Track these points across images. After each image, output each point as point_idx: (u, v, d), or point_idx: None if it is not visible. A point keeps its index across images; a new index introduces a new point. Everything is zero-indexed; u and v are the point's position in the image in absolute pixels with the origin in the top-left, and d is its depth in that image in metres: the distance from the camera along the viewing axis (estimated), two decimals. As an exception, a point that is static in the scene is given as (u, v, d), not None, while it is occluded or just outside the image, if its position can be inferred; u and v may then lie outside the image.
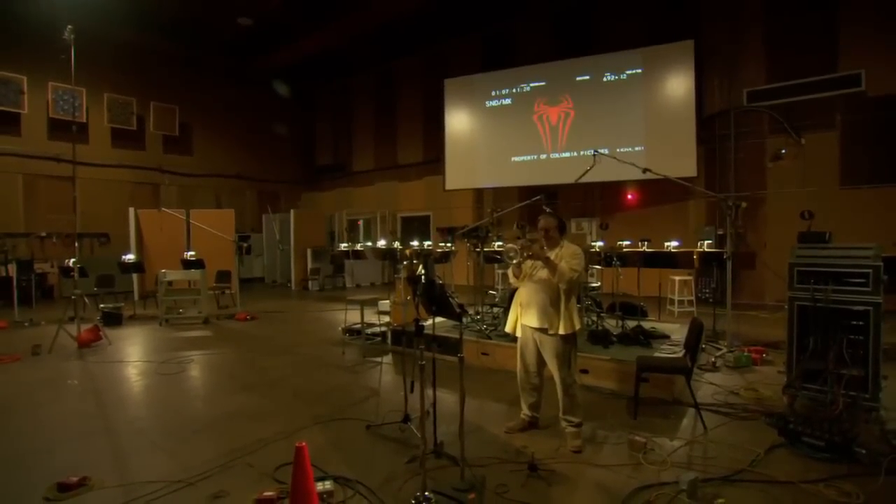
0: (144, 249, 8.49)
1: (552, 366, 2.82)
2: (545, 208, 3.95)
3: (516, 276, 2.89)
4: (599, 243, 5.55)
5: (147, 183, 10.87)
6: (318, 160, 14.26)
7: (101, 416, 3.27)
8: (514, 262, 2.71)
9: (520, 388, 3.00)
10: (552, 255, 2.77)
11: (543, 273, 2.79)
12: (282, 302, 8.96)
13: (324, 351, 5.20)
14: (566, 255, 2.78)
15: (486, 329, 4.71)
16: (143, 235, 8.56)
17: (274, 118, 13.16)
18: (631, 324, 4.80)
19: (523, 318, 2.89)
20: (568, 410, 2.83)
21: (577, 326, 2.79)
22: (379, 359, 4.80)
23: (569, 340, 2.80)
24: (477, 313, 5.57)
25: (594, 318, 4.94)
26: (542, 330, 2.80)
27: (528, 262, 2.84)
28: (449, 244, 6.62)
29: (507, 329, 2.99)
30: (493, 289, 7.42)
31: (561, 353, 2.78)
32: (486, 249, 5.42)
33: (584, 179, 4.78)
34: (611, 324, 4.99)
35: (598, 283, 5.94)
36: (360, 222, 13.68)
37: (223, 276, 8.08)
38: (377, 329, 5.46)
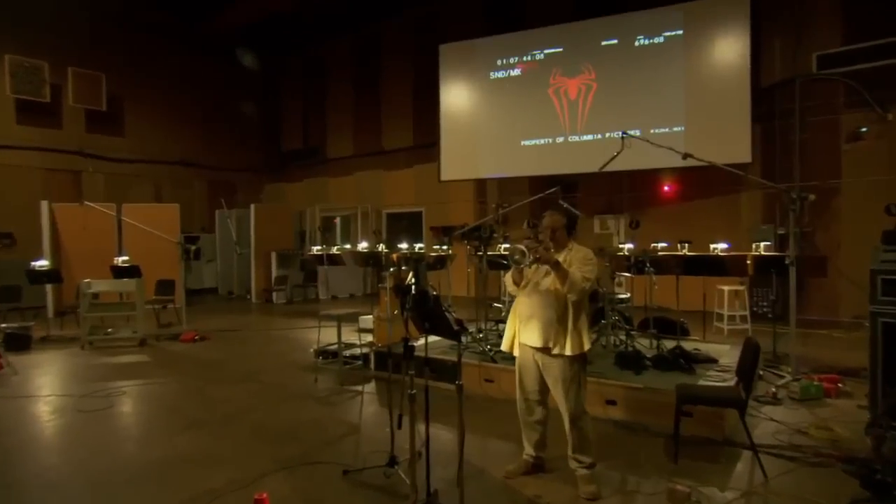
0: (62, 254, 8.43)
1: (557, 393, 2.81)
2: (562, 203, 3.97)
3: (516, 284, 2.89)
4: (629, 245, 5.58)
5: (65, 170, 10.53)
6: (285, 144, 14.33)
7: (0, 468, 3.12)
8: (521, 265, 2.73)
9: (521, 421, 2.99)
10: (560, 258, 2.77)
11: (548, 281, 2.79)
12: (239, 318, 8.98)
13: (291, 378, 5.21)
14: (576, 261, 2.76)
15: (489, 350, 4.73)
16: (59, 236, 8.50)
17: (230, 92, 13.18)
18: (669, 344, 4.83)
19: (522, 334, 2.89)
20: (578, 448, 2.81)
21: (587, 346, 2.79)
22: (359, 387, 4.84)
23: (577, 363, 2.79)
24: (479, 331, 5.59)
25: (623, 338, 4.96)
26: (544, 350, 2.80)
27: (532, 266, 2.85)
28: (445, 247, 6.66)
29: (504, 347, 3.00)
30: (498, 301, 7.45)
31: (568, 378, 2.77)
32: (490, 253, 5.45)
33: (609, 167, 4.82)
34: (643, 344, 5.01)
35: (628, 295, 5.95)
36: (337, 220, 13.71)
37: (165, 287, 8.10)
38: (357, 351, 5.48)
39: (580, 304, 2.79)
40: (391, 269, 5.69)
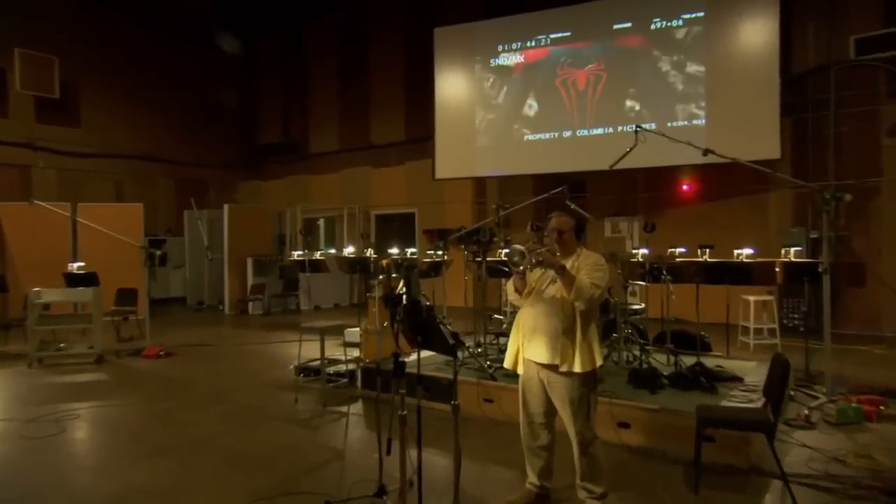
0: (7, 259, 8.35)
1: (565, 415, 2.81)
2: (568, 203, 3.99)
3: (519, 292, 2.90)
4: (643, 251, 5.61)
5: (11, 165, 10.41)
6: (263, 137, 14.35)
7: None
8: (520, 269, 2.74)
9: (524, 446, 2.98)
10: (567, 264, 2.78)
11: (554, 289, 2.80)
12: (210, 331, 8.96)
13: (269, 398, 5.21)
14: (585, 266, 2.75)
15: (489, 367, 4.74)
16: (5, 239, 8.44)
17: (201, 79, 13.15)
18: (688, 360, 4.85)
19: (526, 349, 2.89)
20: (587, 476, 2.80)
21: (599, 363, 2.79)
22: (344, 408, 4.84)
23: (587, 381, 2.79)
24: (478, 345, 5.58)
25: (637, 353, 4.98)
26: (551, 367, 2.80)
27: (536, 273, 2.86)
28: (440, 252, 6.67)
29: (506, 364, 3.00)
30: (498, 312, 7.46)
31: (576, 399, 2.77)
32: (489, 259, 5.47)
33: (622, 165, 4.86)
34: (660, 360, 5.03)
35: (642, 306, 5.98)
36: (321, 222, 13.74)
37: (126, 297, 8.08)
38: (343, 367, 5.49)
39: (590, 315, 2.80)
40: (380, 277, 5.69)
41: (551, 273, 2.81)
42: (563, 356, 2.77)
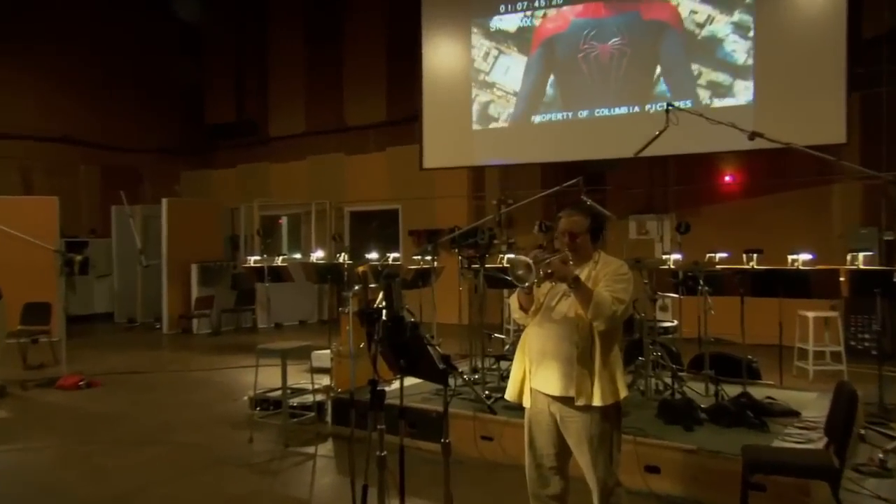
0: None
1: (582, 458, 2.81)
2: (584, 199, 4.01)
3: (524, 309, 2.90)
4: (675, 256, 5.64)
5: None
6: (211, 116, 14.34)
7: None
8: (525, 284, 2.74)
9: (530, 495, 2.97)
10: (582, 274, 2.79)
11: (567, 305, 2.80)
12: (144, 355, 8.91)
13: (217, 438, 5.18)
14: (605, 276, 2.78)
15: (488, 397, 4.76)
16: None
17: (133, 46, 13.09)
18: (732, 390, 4.87)
19: (534, 377, 2.90)
20: None
21: (623, 394, 2.80)
22: (311, 449, 4.84)
23: (609, 417, 2.79)
24: (474, 371, 5.56)
25: (668, 381, 4.99)
26: (564, 400, 2.80)
27: (545, 286, 2.86)
28: (429, 257, 6.67)
29: (509, 396, 3.00)
30: (500, 331, 7.47)
31: (596, 438, 2.77)
32: (489, 266, 5.45)
33: (650, 151, 4.84)
34: (697, 390, 5.05)
35: (674, 323, 6.01)
36: (283, 220, 13.69)
37: (36, 314, 7.98)
38: (309, 398, 5.50)
39: (611, 336, 2.80)
40: (356, 288, 5.67)
41: (563, 286, 2.81)
42: (579, 386, 2.76)
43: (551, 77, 9.52)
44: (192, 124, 14.29)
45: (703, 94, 8.51)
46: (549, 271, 2.69)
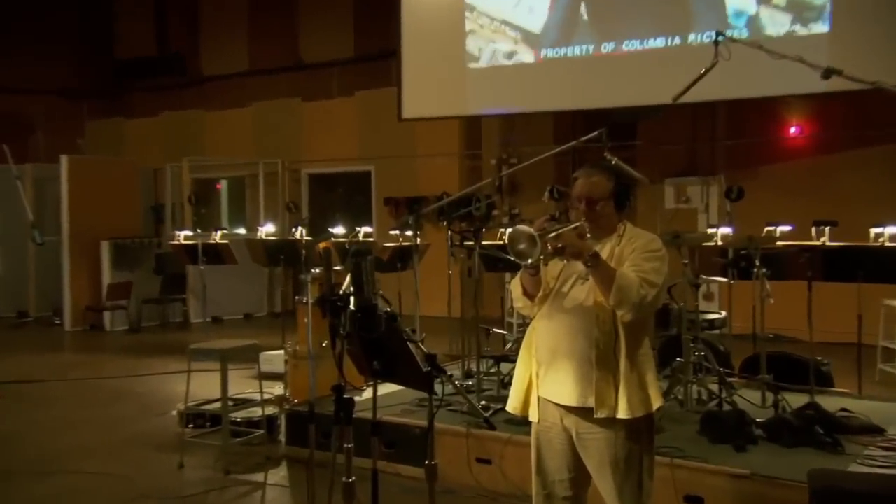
0: None
1: (604, 485, 2.82)
2: (608, 157, 3.99)
3: (529, 295, 2.91)
4: (724, 230, 5.62)
5: None
6: (124, 50, 14.20)
7: None
8: (529, 261, 2.72)
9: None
10: (603, 251, 2.79)
11: (584, 290, 2.80)
12: (41, 360, 8.86)
13: (136, 464, 5.16)
14: (632, 253, 2.78)
15: (484, 409, 4.80)
16: None
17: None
18: (796, 400, 4.90)
19: (543, 385, 2.90)
20: None
21: (656, 404, 2.82)
22: (259, 476, 4.83)
23: (638, 433, 2.80)
24: (468, 375, 5.54)
25: (713, 388, 5.02)
26: (581, 412, 2.80)
27: (556, 266, 2.87)
28: (410, 232, 6.66)
29: (511, 407, 3.00)
30: (501, 325, 7.48)
31: (622, 460, 2.78)
32: (486, 244, 5.43)
33: (692, 96, 4.81)
34: (751, 400, 5.08)
35: (722, 314, 5.99)
36: (222, 185, 13.61)
37: None
38: (257, 412, 5.50)
39: (640, 330, 2.81)
40: (316, 271, 5.66)
41: (579, 267, 2.80)
42: (599, 394, 2.76)
43: None
44: (100, 60, 14.13)
45: (764, 20, 8.45)
46: (560, 245, 2.65)
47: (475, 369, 5.40)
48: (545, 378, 2.89)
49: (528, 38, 9.68)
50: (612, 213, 2.89)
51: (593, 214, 2.84)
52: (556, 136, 9.75)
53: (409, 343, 2.67)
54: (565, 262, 2.82)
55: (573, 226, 2.75)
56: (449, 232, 5.90)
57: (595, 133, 4.76)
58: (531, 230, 2.56)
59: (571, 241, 2.66)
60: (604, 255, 2.75)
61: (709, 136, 9.62)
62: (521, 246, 2.59)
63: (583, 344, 2.78)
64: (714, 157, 9.58)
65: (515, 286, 2.95)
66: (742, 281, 5.39)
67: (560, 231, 2.66)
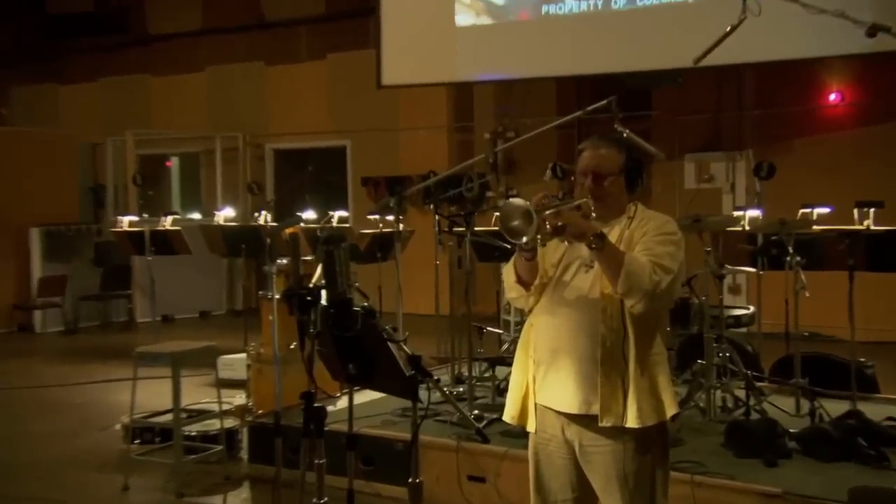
0: None
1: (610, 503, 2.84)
2: (619, 129, 4.00)
3: (524, 284, 2.90)
4: (752, 213, 5.63)
5: None
6: (55, 5, 14.07)
7: None
8: (524, 241, 2.70)
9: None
10: (611, 234, 2.79)
11: (588, 279, 2.81)
12: (-37, 366, 8.85)
13: (77, 486, 5.14)
14: (644, 237, 2.80)
15: (477, 419, 4.83)
16: None
17: None
18: (834, 408, 4.93)
19: (542, 390, 2.90)
20: None
21: (671, 411, 2.82)
22: (217, 499, 4.84)
23: (650, 445, 2.81)
24: (458, 381, 5.56)
25: (739, 393, 5.06)
26: (584, 420, 2.81)
27: (556, 250, 2.87)
28: (392, 217, 6.67)
29: (508, 416, 2.97)
30: (496, 323, 7.50)
31: (631, 476, 2.79)
32: (479, 230, 5.44)
33: (716, 58, 4.83)
34: (783, 408, 5.12)
35: (750, 310, 6.04)
36: (172, 163, 13.54)
37: None
38: (214, 425, 5.49)
39: (652, 325, 2.82)
40: (282, 261, 5.66)
41: (582, 251, 2.81)
42: (605, 400, 2.77)
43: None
44: (27, 17, 14.01)
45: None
46: (560, 224, 2.65)
47: (466, 374, 5.41)
48: (544, 382, 2.89)
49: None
50: (622, 192, 2.89)
51: (600, 192, 2.84)
52: (560, 106, 9.77)
53: (389, 343, 2.68)
54: (566, 245, 2.83)
55: (576, 202, 2.76)
56: (436, 216, 5.89)
57: (604, 102, 4.76)
58: (526, 203, 2.56)
59: (573, 219, 2.66)
60: (612, 239, 2.75)
61: (735, 105, 9.65)
62: (515, 222, 2.57)
63: (586, 341, 2.78)
64: (741, 128, 9.61)
65: (508, 273, 2.94)
66: (773, 271, 5.43)
67: (560, 208, 2.67)
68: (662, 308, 2.88)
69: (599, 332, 2.77)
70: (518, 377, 3.00)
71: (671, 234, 2.82)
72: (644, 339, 2.79)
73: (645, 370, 2.79)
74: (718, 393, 5.12)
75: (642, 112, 9.37)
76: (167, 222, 7.93)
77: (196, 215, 11.70)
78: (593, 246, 2.66)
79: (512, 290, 2.96)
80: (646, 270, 2.67)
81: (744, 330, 5.87)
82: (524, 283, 2.89)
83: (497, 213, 5.75)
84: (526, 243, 2.66)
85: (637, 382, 2.76)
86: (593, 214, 2.77)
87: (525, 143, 5.69)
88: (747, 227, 5.54)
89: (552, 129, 5.79)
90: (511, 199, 2.62)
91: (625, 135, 4.01)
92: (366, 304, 2.69)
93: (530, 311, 2.98)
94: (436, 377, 4.97)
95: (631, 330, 2.77)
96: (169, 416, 5.37)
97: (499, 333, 7.15)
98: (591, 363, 2.78)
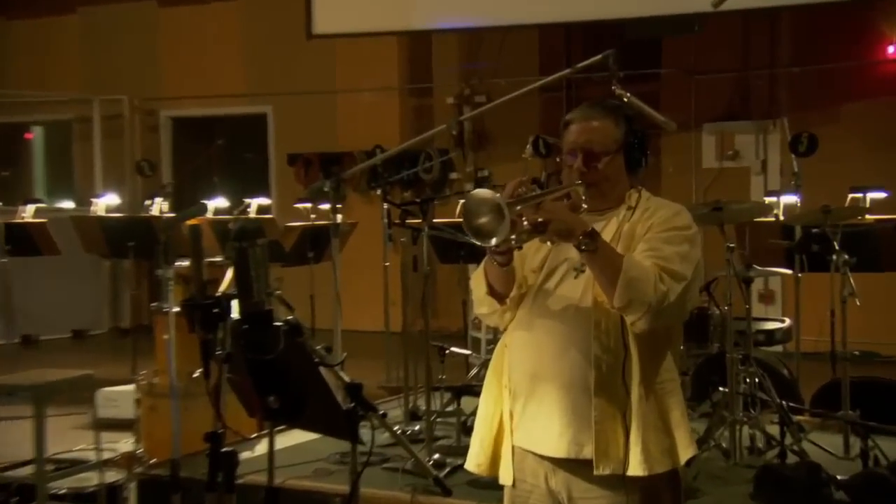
0: None
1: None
2: (617, 91, 4.04)
3: (497, 295, 2.92)
4: (788, 198, 5.73)
5: None
6: None
7: None
8: (493, 241, 2.65)
9: None
10: (606, 229, 2.83)
11: (578, 288, 2.83)
12: None
13: None
14: (648, 231, 2.83)
15: (436, 464, 4.90)
16: None
17: None
18: (891, 448, 4.96)
19: (519, 428, 2.93)
20: None
21: (686, 454, 2.87)
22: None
23: (658, 499, 2.86)
24: (413, 417, 5.63)
25: (770, 428, 5.11)
26: (573, 465, 2.83)
27: (537, 252, 2.89)
28: (327, 205, 6.65)
29: (473, 464, 2.97)
30: (462, 343, 7.51)
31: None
32: (440, 221, 5.51)
33: (741, 2, 4.90)
34: (827, 447, 5.17)
35: (785, 323, 6.09)
36: (34, 134, 13.38)
37: None
38: (90, 480, 5.41)
39: (661, 345, 2.86)
40: (181, 264, 5.64)
41: (570, 252, 2.82)
42: (601, 442, 2.78)
43: None
44: None
45: None
46: (541, 220, 2.67)
47: (424, 407, 5.44)
48: (523, 418, 2.90)
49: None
50: (621, 175, 2.91)
51: (593, 175, 2.85)
52: (544, 63, 9.82)
53: (322, 369, 2.68)
54: (550, 245, 2.85)
55: (561, 191, 2.77)
56: (385, 205, 5.91)
57: (599, 57, 4.81)
58: (496, 196, 2.53)
59: (558, 213, 2.66)
60: (607, 235, 2.77)
61: (767, 62, 9.74)
62: (482, 219, 2.54)
63: (576, 365, 2.79)
64: (774, 91, 9.71)
65: (477, 282, 2.93)
66: (815, 273, 5.47)
67: (540, 199, 2.67)
68: (673, 323, 2.91)
69: (593, 352, 2.76)
70: (488, 412, 3.01)
71: (683, 228, 2.84)
72: (650, 361, 2.81)
73: (652, 401, 2.80)
74: (746, 429, 5.17)
75: (649, 70, 9.45)
76: (28, 213, 7.86)
77: (67, 204, 11.58)
78: (583, 247, 2.65)
79: (482, 305, 2.97)
80: (650, 278, 2.67)
81: (778, 348, 5.92)
82: (497, 294, 2.90)
83: (463, 203, 5.77)
84: (497, 246, 2.66)
85: (642, 417, 2.77)
86: (584, 206, 2.80)
87: (499, 110, 5.72)
88: (782, 217, 5.60)
89: (534, 93, 5.84)
90: (476, 191, 2.57)
91: (625, 100, 4.07)
92: (291, 317, 2.68)
93: (505, 328, 3.00)
94: (383, 412, 4.96)
95: (633, 349, 2.77)
96: (30, 469, 5.30)
97: (466, 355, 7.17)
98: (583, 393, 2.78)
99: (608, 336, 2.76)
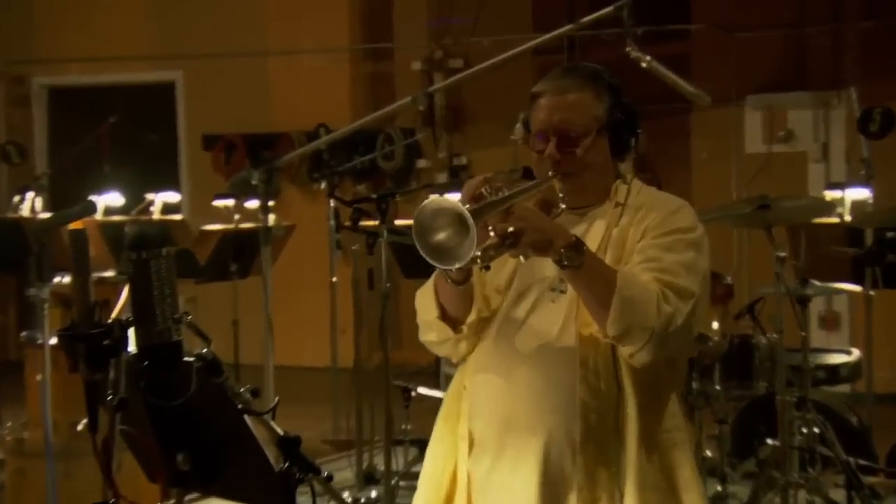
0: None
1: None
2: (633, 54, 4.08)
3: (451, 320, 2.96)
4: (857, 193, 5.79)
5: None
6: None
7: None
8: (456, 266, 2.63)
9: None
10: (590, 233, 2.88)
11: (559, 314, 2.88)
12: None
13: None
14: (643, 236, 2.88)
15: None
16: None
17: None
18: None
19: (481, 494, 2.96)
20: None
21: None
22: None
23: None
24: (367, 479, 5.76)
25: (836, 494, 5.19)
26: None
27: (505, 267, 2.93)
28: (255, 202, 6.70)
29: None
30: (431, 383, 7.57)
31: None
32: (401, 223, 5.57)
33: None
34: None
35: (853, 355, 6.19)
36: None
37: None
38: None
39: (664, 384, 2.92)
40: (60, 280, 5.64)
41: (547, 268, 2.86)
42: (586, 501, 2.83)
43: None
44: None
45: None
46: (511, 230, 2.68)
47: (382, 468, 5.49)
48: (487, 482, 2.94)
49: None
50: (606, 162, 2.95)
51: (569, 164, 2.87)
52: (537, 18, 9.89)
53: (248, 417, 2.68)
54: (520, 259, 2.84)
55: (532, 189, 2.81)
56: (332, 202, 5.95)
57: (610, 9, 4.86)
58: (456, 204, 2.51)
59: (533, 220, 2.68)
60: (592, 242, 2.81)
61: (828, 16, 9.84)
62: (440, 235, 2.55)
63: (556, 414, 2.83)
64: (838, 55, 9.83)
65: (426, 303, 2.99)
66: (891, 290, 5.53)
67: (510, 202, 2.67)
68: (679, 355, 2.96)
69: (579, 398, 2.80)
70: (436, 470, 3.07)
71: (686, 230, 2.87)
72: (651, 405, 2.86)
73: (654, 457, 2.84)
74: (803, 494, 5.21)
75: (676, 26, 9.52)
76: None
77: None
78: (566, 262, 2.66)
79: (430, 330, 3.01)
80: (652, 297, 2.69)
81: (845, 388, 5.97)
82: (451, 319, 2.94)
83: (414, 217, 5.78)
84: (457, 265, 2.62)
85: (640, 478, 2.80)
86: (562, 206, 2.84)
87: (481, 79, 5.75)
88: (848, 218, 5.65)
89: (527, 56, 5.86)
90: (431, 199, 2.54)
91: (644, 65, 4.09)
92: (207, 351, 2.67)
93: (460, 360, 3.05)
94: (328, 474, 4.99)
95: (630, 391, 2.81)
96: None
97: (437, 398, 7.21)
98: (567, 448, 2.82)
99: (597, 377, 2.80)
